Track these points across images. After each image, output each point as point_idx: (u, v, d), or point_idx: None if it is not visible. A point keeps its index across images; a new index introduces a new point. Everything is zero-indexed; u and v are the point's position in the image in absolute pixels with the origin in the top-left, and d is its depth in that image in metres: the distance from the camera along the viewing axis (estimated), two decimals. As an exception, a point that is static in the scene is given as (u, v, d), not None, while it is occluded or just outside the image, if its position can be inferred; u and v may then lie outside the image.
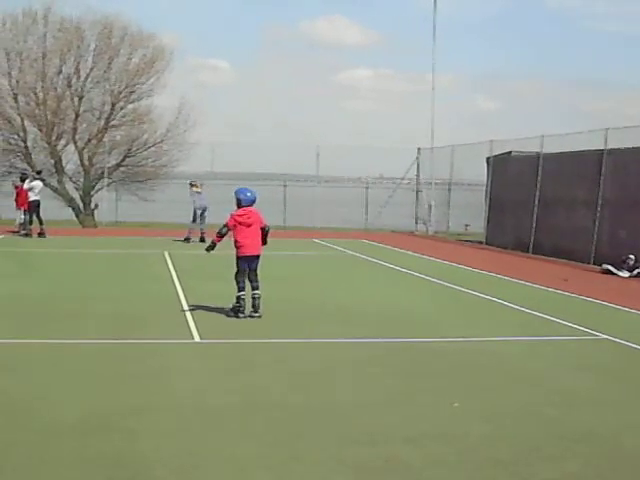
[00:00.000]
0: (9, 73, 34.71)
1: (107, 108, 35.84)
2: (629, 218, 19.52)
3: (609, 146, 20.29)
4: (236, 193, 11.52)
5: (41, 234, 24.13)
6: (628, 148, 19.68)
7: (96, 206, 35.37)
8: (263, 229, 11.51)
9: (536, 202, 23.32)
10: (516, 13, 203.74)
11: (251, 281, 11.44)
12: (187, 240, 23.30)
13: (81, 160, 35.88)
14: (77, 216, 35.32)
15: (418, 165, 33.81)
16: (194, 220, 23.56)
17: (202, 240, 22.30)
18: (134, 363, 8.60)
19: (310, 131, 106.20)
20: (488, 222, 26.87)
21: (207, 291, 13.21)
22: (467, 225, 31.82)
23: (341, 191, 39.25)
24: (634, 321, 12.47)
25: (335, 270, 18.69)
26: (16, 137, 35.13)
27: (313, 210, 33.25)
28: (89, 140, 35.69)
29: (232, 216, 11.40)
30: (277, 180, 34.85)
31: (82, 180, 36.04)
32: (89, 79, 35.65)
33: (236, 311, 11.31)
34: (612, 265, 18.69)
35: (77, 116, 35.44)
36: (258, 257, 11.49)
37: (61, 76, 35.37)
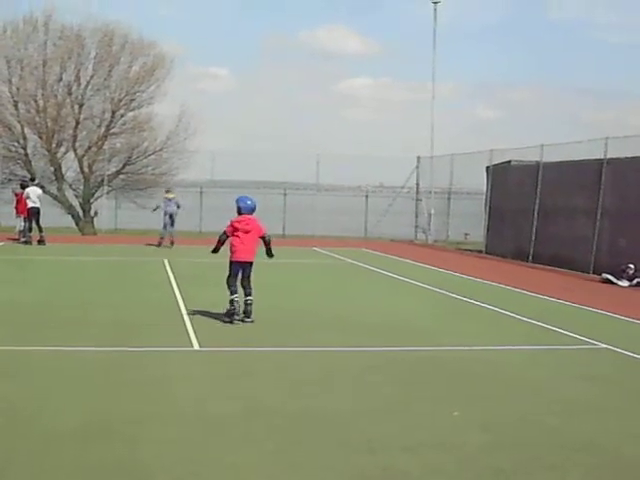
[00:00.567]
0: (9, 80, 34.72)
1: (107, 116, 35.87)
2: (629, 227, 19.53)
3: (609, 155, 20.33)
4: (237, 201, 11.75)
5: (41, 241, 24.13)
6: (628, 158, 19.71)
7: (96, 213, 35.41)
8: (264, 238, 11.63)
9: (536, 211, 23.34)
10: (517, 22, 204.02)
11: (244, 287, 11.57)
12: (159, 245, 24.57)
13: (81, 167, 35.88)
14: (77, 223, 35.32)
15: (418, 174, 33.87)
16: (164, 227, 24.81)
17: (172, 243, 24.37)
18: (134, 370, 8.60)
19: (310, 139, 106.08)
20: (488, 231, 26.89)
21: (206, 298, 13.22)
22: (467, 234, 31.82)
23: (341, 200, 39.30)
24: (634, 330, 12.47)
25: (335, 279, 18.70)
26: (16, 144, 35.11)
27: (313, 218, 33.26)
28: (89, 147, 35.70)
29: (231, 222, 11.59)
30: (277, 188, 34.86)
31: (82, 187, 36.05)
32: (89, 87, 35.67)
33: (230, 315, 11.39)
34: (612, 274, 18.71)
35: (77, 124, 35.44)
36: (251, 264, 11.62)
37: (61, 83, 35.39)
